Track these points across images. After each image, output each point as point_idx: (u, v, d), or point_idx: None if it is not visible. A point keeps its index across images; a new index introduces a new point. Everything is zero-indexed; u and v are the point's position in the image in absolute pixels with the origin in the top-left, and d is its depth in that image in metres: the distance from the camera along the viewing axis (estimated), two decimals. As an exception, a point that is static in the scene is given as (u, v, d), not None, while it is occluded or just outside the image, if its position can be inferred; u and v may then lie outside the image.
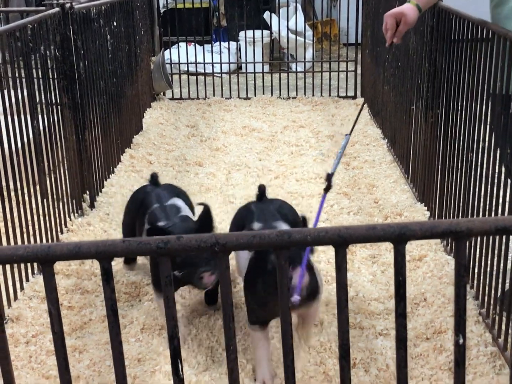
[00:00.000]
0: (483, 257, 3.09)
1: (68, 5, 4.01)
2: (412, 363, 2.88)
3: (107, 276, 1.09)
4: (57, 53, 3.94)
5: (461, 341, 1.09)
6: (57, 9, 3.94)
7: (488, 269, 3.01)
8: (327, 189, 3.03)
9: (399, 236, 1.06)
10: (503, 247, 2.89)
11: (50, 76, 3.89)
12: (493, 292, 2.96)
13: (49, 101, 3.86)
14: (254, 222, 2.88)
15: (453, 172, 3.59)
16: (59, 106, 4.01)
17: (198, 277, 2.65)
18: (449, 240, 3.72)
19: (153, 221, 3.03)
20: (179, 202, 3.24)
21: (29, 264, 3.45)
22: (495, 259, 2.94)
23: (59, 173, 3.97)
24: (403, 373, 1.12)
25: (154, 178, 3.56)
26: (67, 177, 4.09)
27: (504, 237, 2.80)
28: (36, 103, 3.70)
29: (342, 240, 1.07)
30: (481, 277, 3.10)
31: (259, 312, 2.65)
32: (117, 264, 3.70)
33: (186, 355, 2.97)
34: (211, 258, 2.61)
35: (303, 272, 2.57)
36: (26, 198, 3.58)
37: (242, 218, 3.09)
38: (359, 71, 7.23)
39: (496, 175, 2.96)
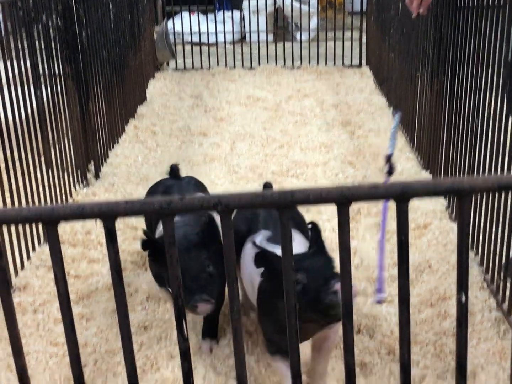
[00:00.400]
0: (487, 224, 3.09)
1: (69, -27, 3.97)
2: (417, 329, 2.90)
3: (111, 236, 1.09)
4: (59, 22, 3.91)
5: (463, 299, 1.10)
6: (58, -23, 3.90)
7: (493, 236, 3.01)
8: (390, 172, 2.67)
9: (401, 195, 1.06)
10: (508, 214, 2.89)
11: (53, 46, 3.87)
12: (497, 258, 2.96)
13: (52, 71, 3.84)
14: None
15: (458, 139, 3.57)
16: (62, 76, 3.99)
17: (192, 305, 2.26)
18: (454, 207, 3.71)
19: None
20: None
21: (34, 233, 3.47)
22: (500, 226, 2.94)
23: (63, 143, 3.97)
24: (405, 334, 1.13)
25: (174, 170, 3.08)
26: (71, 147, 4.09)
27: (509, 202, 2.80)
28: (39, 73, 3.68)
29: (344, 199, 1.07)
30: (486, 244, 3.11)
31: (281, 338, 2.10)
32: (122, 233, 3.71)
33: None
34: (209, 284, 2.28)
35: (382, 263, 2.18)
36: (31, 169, 3.59)
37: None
38: (364, 40, 7.16)
39: (502, 142, 2.94)
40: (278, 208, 1.09)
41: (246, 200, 1.07)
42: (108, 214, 1.08)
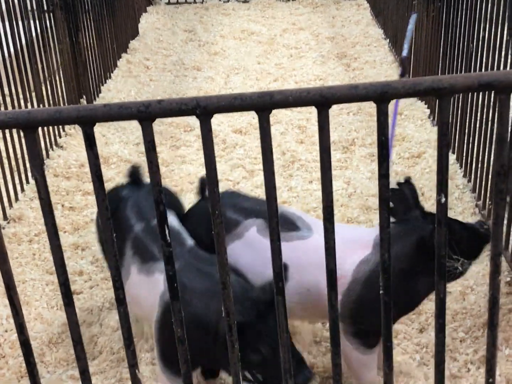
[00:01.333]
0: (480, 151, 3.09)
1: None
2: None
3: (89, 141, 1.09)
4: (45, -49, 3.80)
5: (443, 200, 1.10)
6: None
7: (485, 164, 3.01)
8: (402, 74, 2.61)
9: (381, 95, 1.05)
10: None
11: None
12: (489, 184, 2.97)
13: (40, 3, 3.76)
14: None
15: (453, 66, 3.53)
16: (51, 8, 3.91)
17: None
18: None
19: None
20: (173, 220, 2.15)
21: (28, 166, 3.47)
22: (492, 151, 2.94)
23: (54, 77, 3.92)
24: (385, 234, 1.14)
25: (134, 173, 2.31)
26: (62, 81, 4.04)
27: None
28: (26, 5, 3.60)
29: (324, 100, 1.06)
30: (478, 171, 3.11)
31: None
32: (116, 167, 3.71)
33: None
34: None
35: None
36: (22, 104, 3.55)
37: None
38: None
39: (496, 64, 2.91)
40: (257, 111, 1.08)
41: (225, 102, 1.06)
42: (86, 119, 1.07)
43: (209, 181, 1.12)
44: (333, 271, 1.19)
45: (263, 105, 1.06)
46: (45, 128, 3.73)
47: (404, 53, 2.60)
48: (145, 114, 1.07)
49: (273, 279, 1.21)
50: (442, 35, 3.72)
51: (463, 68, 3.35)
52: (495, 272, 1.17)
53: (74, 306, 1.21)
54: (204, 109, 1.07)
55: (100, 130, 4.13)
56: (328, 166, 1.10)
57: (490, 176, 2.97)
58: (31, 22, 3.68)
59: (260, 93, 1.06)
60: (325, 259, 1.19)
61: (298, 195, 3.41)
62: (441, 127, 1.08)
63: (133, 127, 4.22)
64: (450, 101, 1.05)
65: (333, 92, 1.05)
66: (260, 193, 3.46)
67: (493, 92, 1.05)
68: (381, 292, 1.20)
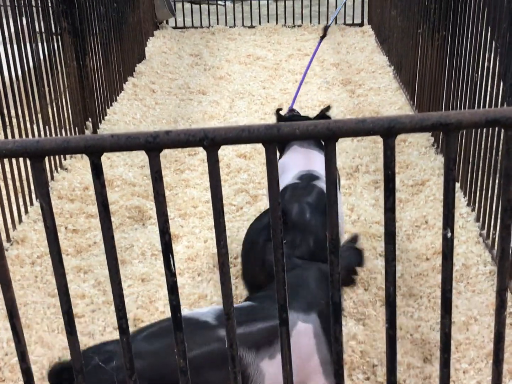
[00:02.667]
0: (484, 181, 3.09)
1: None
2: (412, 282, 2.92)
3: (97, 171, 1.09)
4: (55, -24, 3.85)
5: (449, 234, 1.10)
6: None
7: (489, 193, 3.01)
8: (323, 37, 4.09)
9: (388, 130, 1.05)
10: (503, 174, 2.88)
11: (49, 1, 3.81)
12: (493, 214, 2.97)
13: (48, 26, 3.80)
14: None
15: (458, 95, 3.55)
16: (59, 32, 3.95)
17: None
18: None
19: None
20: None
21: (32, 188, 3.47)
22: (496, 184, 2.94)
23: (61, 100, 3.95)
24: (391, 267, 1.14)
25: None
26: (69, 104, 4.07)
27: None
28: (35, 29, 3.64)
29: (331, 134, 1.06)
30: (482, 200, 3.11)
31: None
32: (120, 189, 3.72)
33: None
34: None
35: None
36: (28, 125, 3.57)
37: None
38: (366, -2, 7.06)
39: (501, 94, 2.92)
40: (264, 143, 1.08)
41: (232, 134, 1.07)
42: (94, 149, 1.07)
43: (215, 212, 1.12)
44: (337, 304, 1.18)
45: (270, 137, 1.07)
46: (51, 150, 3.74)
47: (329, 23, 4.18)
48: (153, 144, 1.07)
49: (277, 310, 1.21)
50: (447, 63, 3.74)
51: (468, 97, 3.36)
52: (500, 307, 1.16)
53: (77, 335, 1.21)
54: (211, 141, 1.07)
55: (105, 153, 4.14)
56: (334, 199, 1.10)
57: (494, 206, 2.97)
58: (39, 45, 3.72)
59: (268, 125, 1.07)
60: (330, 292, 1.18)
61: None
62: (448, 162, 1.08)
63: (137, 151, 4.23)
64: (457, 136, 1.06)
65: (340, 126, 1.06)
66: (263, 218, 3.46)
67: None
68: (386, 325, 1.19)
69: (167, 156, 4.21)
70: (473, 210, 3.29)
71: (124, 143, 1.07)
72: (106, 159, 4.12)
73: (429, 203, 3.49)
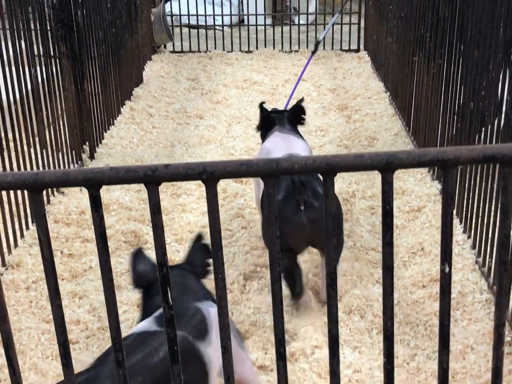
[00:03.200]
0: (480, 208, 3.10)
1: (65, -49, 3.93)
2: (408, 310, 2.92)
3: (95, 204, 1.10)
4: (55, 1, 3.88)
5: (446, 269, 1.10)
6: (53, -45, 3.87)
7: (485, 220, 3.02)
8: (314, 52, 4.68)
9: (386, 165, 1.06)
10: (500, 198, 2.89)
11: (48, 25, 3.85)
12: (489, 241, 2.97)
13: (47, 50, 3.82)
14: None
15: (454, 123, 3.57)
16: (57, 56, 3.97)
17: None
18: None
19: None
20: None
21: (28, 212, 3.47)
22: (492, 210, 2.95)
23: (58, 123, 3.96)
24: (389, 301, 1.13)
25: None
26: (66, 128, 4.08)
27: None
28: (34, 53, 3.67)
29: (329, 168, 1.07)
30: (478, 227, 3.11)
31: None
32: (117, 213, 3.72)
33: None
34: None
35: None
36: (25, 149, 3.58)
37: None
38: (362, 24, 7.13)
39: (496, 124, 2.94)
40: (263, 177, 1.09)
41: (231, 168, 1.08)
42: (93, 182, 1.08)
43: (213, 246, 1.12)
44: (335, 337, 1.18)
45: (269, 171, 1.07)
46: (47, 174, 3.74)
47: (320, 38, 4.66)
48: (152, 178, 1.08)
49: (275, 343, 1.20)
50: (443, 91, 3.77)
51: (463, 125, 3.39)
52: (498, 342, 1.16)
53: (73, 367, 1.20)
54: (210, 175, 1.08)
55: (101, 176, 4.15)
56: (332, 233, 1.10)
57: (490, 233, 2.97)
58: (38, 69, 3.73)
59: (267, 160, 1.07)
60: (328, 325, 1.18)
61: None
62: (446, 197, 1.08)
63: (135, 174, 4.24)
64: (454, 172, 1.06)
65: (339, 161, 1.06)
66: (258, 244, 3.46)
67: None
68: (383, 360, 1.19)
69: (164, 180, 4.20)
70: (469, 237, 3.29)
71: (123, 176, 1.08)
72: (103, 183, 4.12)
73: (425, 230, 3.49)
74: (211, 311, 1.96)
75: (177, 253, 3.40)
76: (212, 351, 1.88)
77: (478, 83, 3.17)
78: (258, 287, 3.10)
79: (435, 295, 2.95)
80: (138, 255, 2.23)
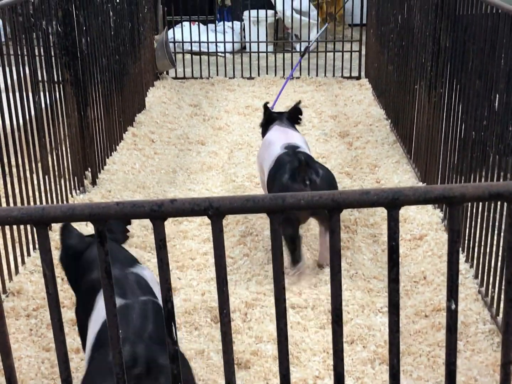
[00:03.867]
0: (483, 237, 3.09)
1: (70, -20, 3.98)
2: (410, 340, 2.90)
3: (101, 239, 1.09)
4: (59, 29, 3.92)
5: (453, 306, 1.09)
6: (59, -16, 3.92)
7: (488, 249, 3.01)
8: (302, 56, 5.43)
9: (392, 201, 1.06)
10: (503, 226, 2.89)
11: (52, 52, 3.88)
12: (492, 271, 2.96)
13: (51, 77, 3.85)
14: None
15: (455, 151, 3.58)
16: (61, 83, 4.00)
17: None
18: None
19: None
20: None
21: (30, 239, 3.47)
22: (495, 238, 2.94)
23: (61, 150, 3.97)
24: (395, 338, 1.13)
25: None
26: (69, 154, 4.09)
27: (504, 214, 2.79)
28: (38, 79, 3.69)
29: (335, 205, 1.07)
30: (481, 257, 3.10)
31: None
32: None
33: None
34: None
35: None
36: (28, 174, 3.58)
37: None
38: (363, 52, 7.19)
39: (497, 154, 2.95)
40: (269, 213, 1.09)
41: (237, 204, 1.08)
42: (99, 217, 1.08)
43: (218, 281, 1.12)
44: (341, 374, 1.17)
45: (275, 207, 1.07)
46: (49, 201, 3.75)
47: (310, 44, 5.44)
48: (158, 213, 1.08)
49: (280, 380, 1.19)
50: (444, 120, 3.79)
51: (464, 154, 3.39)
52: (505, 380, 1.15)
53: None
54: (216, 210, 1.08)
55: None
56: (338, 269, 1.10)
57: (493, 263, 2.96)
58: (41, 95, 3.76)
59: (273, 195, 1.08)
60: (333, 361, 1.17)
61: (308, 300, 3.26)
62: (452, 235, 1.08)
63: (136, 201, 4.24)
64: (461, 209, 1.06)
65: (345, 197, 1.06)
66: (260, 271, 3.45)
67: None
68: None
69: (166, 206, 4.21)
70: (471, 266, 3.28)
71: (129, 211, 1.08)
72: (104, 209, 4.12)
73: (427, 259, 3.48)
74: (146, 274, 2.21)
75: (178, 280, 3.39)
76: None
77: (479, 112, 3.19)
78: (260, 315, 3.08)
79: (438, 325, 2.93)
80: (66, 229, 2.35)
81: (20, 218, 1.05)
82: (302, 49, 7.79)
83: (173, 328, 1.12)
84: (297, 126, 4.00)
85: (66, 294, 3.21)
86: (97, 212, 1.07)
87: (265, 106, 4.02)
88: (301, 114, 3.95)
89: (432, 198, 1.05)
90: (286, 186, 3.23)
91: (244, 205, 1.07)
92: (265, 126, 3.98)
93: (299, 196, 1.08)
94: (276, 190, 3.31)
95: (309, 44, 4.91)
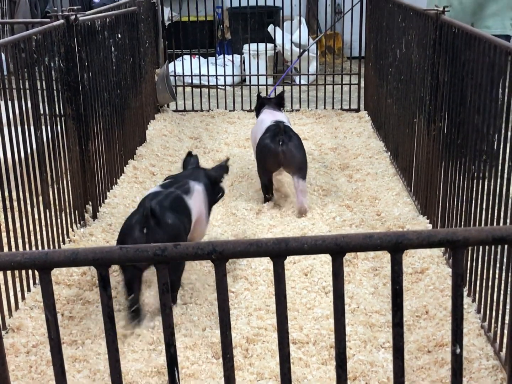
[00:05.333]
0: (484, 271, 3.08)
1: (73, 17, 4.04)
2: (413, 376, 2.87)
3: (104, 283, 1.09)
4: (62, 65, 3.96)
5: (458, 350, 1.09)
6: (62, 21, 3.97)
7: (490, 282, 3.00)
8: (300, 56, 6.57)
9: (396, 245, 1.06)
10: (505, 260, 2.89)
11: (54, 87, 3.91)
12: (494, 305, 2.95)
13: (53, 112, 3.88)
14: None
15: (455, 185, 3.59)
16: (63, 117, 4.02)
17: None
18: (451, 252, 3.71)
19: None
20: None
21: (30, 274, 3.46)
22: (497, 272, 2.94)
23: (62, 183, 3.98)
24: (400, 382, 1.12)
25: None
26: (70, 187, 4.10)
27: (505, 248, 2.79)
28: (40, 114, 3.72)
29: (339, 248, 1.07)
30: (483, 291, 3.09)
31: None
32: (119, 275, 3.69)
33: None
34: None
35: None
36: (29, 208, 3.59)
37: None
38: (362, 84, 7.26)
39: (498, 188, 2.96)
40: (272, 257, 1.09)
41: (240, 248, 1.08)
42: (102, 261, 1.08)
43: (221, 325, 1.11)
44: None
45: (278, 252, 1.08)
46: (50, 235, 3.74)
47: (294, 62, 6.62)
48: (161, 258, 1.08)
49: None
50: (443, 154, 3.81)
51: (464, 188, 3.40)
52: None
53: None
54: (220, 254, 1.08)
55: (104, 236, 4.14)
56: (342, 313, 1.10)
57: (495, 298, 2.95)
58: (43, 129, 3.78)
59: (276, 239, 1.08)
60: (337, 406, 1.16)
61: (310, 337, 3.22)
62: (456, 278, 1.08)
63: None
64: (464, 253, 1.07)
65: (348, 241, 1.07)
66: (261, 306, 3.43)
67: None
68: None
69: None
70: (473, 301, 3.26)
71: (133, 255, 1.08)
72: (105, 242, 4.12)
73: (429, 293, 3.46)
74: (195, 184, 3.58)
75: (179, 315, 3.36)
76: (193, 203, 3.48)
77: (479, 147, 3.20)
78: (261, 351, 3.05)
79: (441, 361, 2.91)
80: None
81: (23, 263, 1.05)
82: (302, 81, 7.87)
83: (176, 373, 1.12)
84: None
85: (66, 330, 3.19)
86: (100, 256, 1.07)
87: (258, 95, 5.39)
88: (283, 99, 5.33)
89: (435, 242, 1.06)
90: (264, 145, 4.52)
91: (248, 249, 1.07)
92: (258, 109, 5.26)
93: (302, 240, 1.08)
94: (258, 148, 4.60)
95: (308, 48, 6.03)
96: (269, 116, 4.92)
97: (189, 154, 4.13)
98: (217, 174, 3.81)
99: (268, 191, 4.69)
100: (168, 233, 3.15)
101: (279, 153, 4.43)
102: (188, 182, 3.54)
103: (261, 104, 5.25)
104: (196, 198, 3.49)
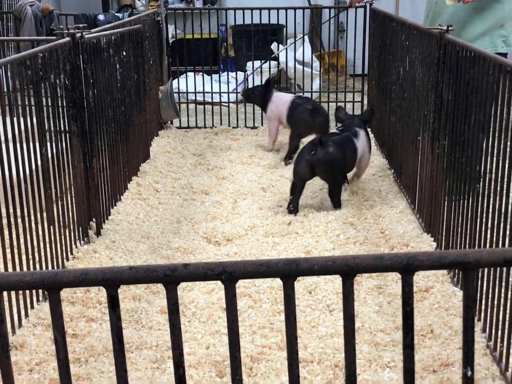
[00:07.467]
0: (490, 290, 3.07)
1: (78, 35, 4.06)
2: (419, 396, 2.85)
3: (113, 303, 1.09)
4: (67, 82, 3.98)
5: (469, 373, 1.08)
6: (67, 38, 3.99)
7: (496, 301, 2.98)
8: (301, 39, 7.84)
9: (406, 266, 1.06)
10: (511, 278, 2.88)
11: (60, 104, 3.93)
12: (500, 325, 2.93)
13: (58, 129, 3.89)
14: None
15: (459, 203, 3.59)
16: (67, 134, 4.04)
17: None
18: (456, 271, 3.69)
19: None
20: None
21: (34, 291, 3.44)
22: (503, 291, 2.92)
23: (66, 200, 3.98)
24: (410, 406, 1.11)
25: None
26: (74, 204, 4.10)
27: None
28: (45, 131, 3.73)
29: (349, 270, 1.07)
30: (489, 310, 3.08)
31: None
32: (122, 291, 3.68)
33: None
34: None
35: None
36: (33, 225, 3.59)
37: None
38: (365, 102, 7.28)
39: (504, 206, 2.96)
40: (282, 277, 1.08)
41: (250, 269, 1.07)
42: (111, 282, 1.07)
43: (231, 346, 1.11)
44: None
45: (288, 272, 1.07)
46: (53, 251, 3.74)
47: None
48: (171, 278, 1.07)
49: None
50: (447, 172, 3.80)
51: (469, 206, 3.40)
52: None
53: None
54: (229, 275, 1.07)
55: (107, 253, 4.14)
56: (352, 335, 1.09)
57: (501, 317, 2.93)
58: (48, 146, 3.79)
59: (286, 260, 1.07)
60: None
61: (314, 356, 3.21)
62: (466, 300, 1.08)
63: (141, 251, 4.23)
64: (474, 275, 1.06)
65: (359, 262, 1.06)
66: (265, 324, 3.42)
67: None
68: None
69: (170, 257, 4.19)
70: (479, 320, 3.25)
71: (142, 276, 1.07)
72: (108, 259, 4.11)
73: (434, 311, 3.45)
74: (360, 131, 5.01)
75: (182, 333, 3.35)
76: (359, 143, 4.93)
77: (483, 165, 3.20)
78: (266, 370, 3.03)
79: (447, 381, 2.89)
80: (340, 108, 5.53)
81: (32, 283, 1.05)
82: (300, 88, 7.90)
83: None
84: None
85: (69, 348, 3.17)
86: (109, 276, 1.07)
87: (268, 81, 6.54)
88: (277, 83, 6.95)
89: (446, 264, 1.05)
90: (305, 119, 5.93)
91: (258, 270, 1.07)
92: (264, 95, 6.33)
93: (312, 261, 1.07)
94: (299, 119, 5.97)
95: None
96: (285, 95, 6.51)
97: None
98: (368, 117, 5.35)
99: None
100: (328, 157, 4.58)
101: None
102: (356, 128, 4.97)
103: (267, 87, 6.47)
104: (360, 140, 4.96)
